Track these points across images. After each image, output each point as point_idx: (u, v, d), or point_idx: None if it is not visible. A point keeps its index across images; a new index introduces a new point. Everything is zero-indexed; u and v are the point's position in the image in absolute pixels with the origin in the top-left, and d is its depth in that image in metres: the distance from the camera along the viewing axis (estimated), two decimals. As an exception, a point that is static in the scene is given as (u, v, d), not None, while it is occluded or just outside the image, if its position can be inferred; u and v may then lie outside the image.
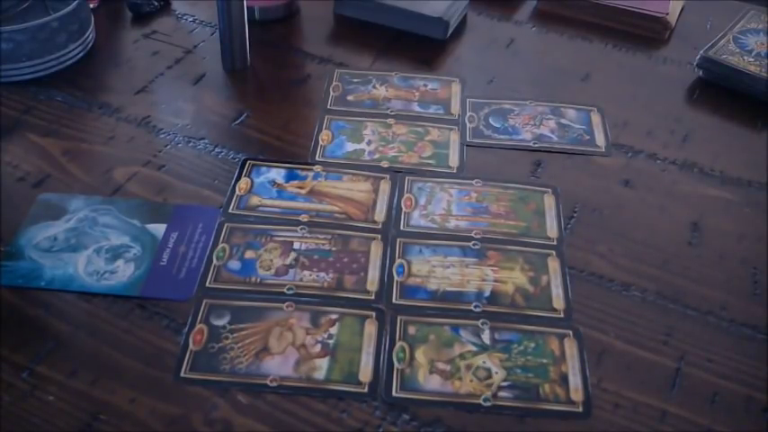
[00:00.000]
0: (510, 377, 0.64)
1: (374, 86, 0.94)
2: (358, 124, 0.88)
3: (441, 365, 0.65)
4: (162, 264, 0.71)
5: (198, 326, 0.66)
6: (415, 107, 0.91)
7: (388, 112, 0.90)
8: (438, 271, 0.72)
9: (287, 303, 0.68)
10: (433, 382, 0.64)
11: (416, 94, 0.93)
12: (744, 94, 0.95)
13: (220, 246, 0.73)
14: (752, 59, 0.96)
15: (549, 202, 0.80)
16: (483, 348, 0.66)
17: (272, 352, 0.65)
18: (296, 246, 0.74)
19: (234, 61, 0.95)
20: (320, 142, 0.86)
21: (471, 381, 0.64)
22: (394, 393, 0.63)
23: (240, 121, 0.88)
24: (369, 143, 0.86)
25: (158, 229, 0.75)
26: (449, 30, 1.01)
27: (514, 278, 0.72)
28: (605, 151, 0.87)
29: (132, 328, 0.66)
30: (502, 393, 0.63)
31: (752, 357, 0.67)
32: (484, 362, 0.65)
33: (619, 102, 0.94)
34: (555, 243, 0.75)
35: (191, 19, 1.04)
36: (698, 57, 0.97)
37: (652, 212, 0.80)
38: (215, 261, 0.72)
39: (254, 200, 0.78)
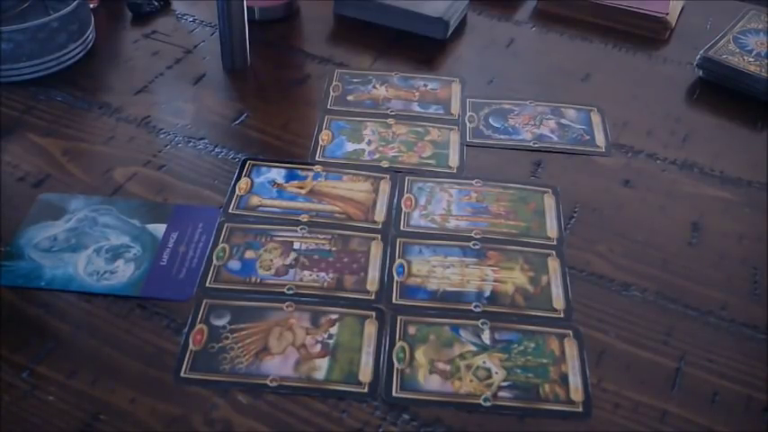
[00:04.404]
0: (510, 377, 0.64)
1: (374, 86, 0.94)
2: (358, 124, 0.88)
3: (441, 365, 0.65)
4: (162, 264, 0.71)
5: (198, 326, 0.66)
6: (415, 107, 0.91)
7: (388, 112, 0.90)
8: (438, 271, 0.72)
9: (287, 303, 0.68)
10: (433, 382, 0.64)
11: (416, 94, 0.93)
12: (744, 94, 0.95)
13: (220, 246, 0.73)
14: (752, 59, 0.96)
15: (549, 202, 0.80)
16: (483, 348, 0.66)
17: (272, 352, 0.65)
18: (296, 246, 0.74)
19: (234, 61, 0.95)
20: (320, 142, 0.86)
21: (471, 381, 0.64)
22: (394, 393, 0.63)
23: (240, 121, 0.88)
24: (369, 143, 0.86)
25: (158, 229, 0.75)
26: (449, 30, 1.02)
27: (514, 278, 0.72)
28: (605, 151, 0.87)
29: (132, 328, 0.66)
30: (502, 393, 0.63)
31: (752, 357, 0.67)
32: (484, 362, 0.65)
33: (619, 102, 0.94)
34: (555, 243, 0.75)
35: (191, 19, 1.04)
36: (698, 57, 0.97)
37: (652, 212, 0.80)
38: (215, 261, 0.72)
39: (254, 200, 0.78)
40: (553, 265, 0.73)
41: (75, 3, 0.91)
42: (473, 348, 0.66)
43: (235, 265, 0.72)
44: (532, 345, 0.66)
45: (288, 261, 0.72)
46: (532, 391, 0.63)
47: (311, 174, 0.82)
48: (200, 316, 0.67)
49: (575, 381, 0.64)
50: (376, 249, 0.74)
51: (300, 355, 0.65)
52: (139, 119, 0.88)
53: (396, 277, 0.71)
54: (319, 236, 0.75)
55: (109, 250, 0.72)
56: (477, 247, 0.74)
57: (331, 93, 0.93)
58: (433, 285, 0.71)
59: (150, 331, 0.66)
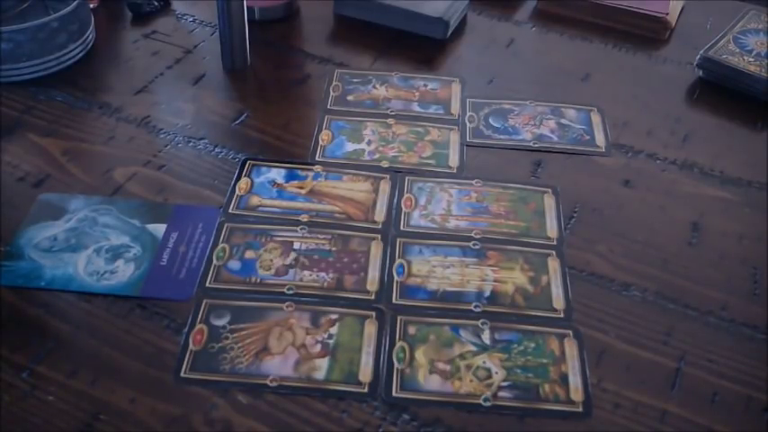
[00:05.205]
0: (510, 377, 0.64)
1: (374, 86, 0.94)
2: (358, 124, 0.88)
3: (441, 365, 0.65)
4: (162, 264, 0.71)
5: (198, 326, 0.66)
6: (415, 107, 0.91)
7: (388, 112, 0.90)
8: (438, 271, 0.72)
9: (287, 303, 0.68)
10: (433, 382, 0.64)
11: (416, 94, 0.93)
12: (744, 94, 0.95)
13: (220, 246, 0.73)
14: (752, 59, 0.96)
15: (549, 202, 0.80)
16: (483, 348, 0.66)
17: (272, 352, 0.65)
18: (296, 246, 0.74)
19: (234, 61, 0.95)
20: (320, 142, 0.86)
21: (471, 381, 0.64)
22: (394, 393, 0.63)
23: (240, 121, 0.88)
24: (369, 143, 0.86)
25: (158, 229, 0.75)
26: (449, 30, 1.01)
27: (514, 278, 0.72)
28: (605, 151, 0.87)
29: (132, 328, 0.66)
30: (502, 393, 0.63)
31: (752, 357, 0.67)
32: (484, 362, 0.65)
33: (619, 102, 0.94)
34: (555, 243, 0.75)
35: (191, 19, 1.04)
36: (698, 57, 0.97)
37: (652, 212, 0.80)
38: (215, 261, 0.72)
39: (254, 200, 0.78)
40: (553, 265, 0.73)
41: (75, 3, 0.91)
42: (473, 348, 0.66)
43: (235, 265, 0.72)
44: (532, 345, 0.66)
45: (288, 261, 0.72)
46: (532, 391, 0.63)
47: (311, 174, 0.82)
48: (200, 316, 0.67)
49: (575, 381, 0.64)
50: (376, 249, 0.74)
51: (300, 355, 0.65)
52: (139, 119, 0.88)
53: (396, 277, 0.71)
54: (319, 236, 0.75)
55: (109, 250, 0.72)
56: (477, 247, 0.74)
57: (331, 93, 0.93)
58: (433, 285, 0.71)
59: (150, 331, 0.66)
